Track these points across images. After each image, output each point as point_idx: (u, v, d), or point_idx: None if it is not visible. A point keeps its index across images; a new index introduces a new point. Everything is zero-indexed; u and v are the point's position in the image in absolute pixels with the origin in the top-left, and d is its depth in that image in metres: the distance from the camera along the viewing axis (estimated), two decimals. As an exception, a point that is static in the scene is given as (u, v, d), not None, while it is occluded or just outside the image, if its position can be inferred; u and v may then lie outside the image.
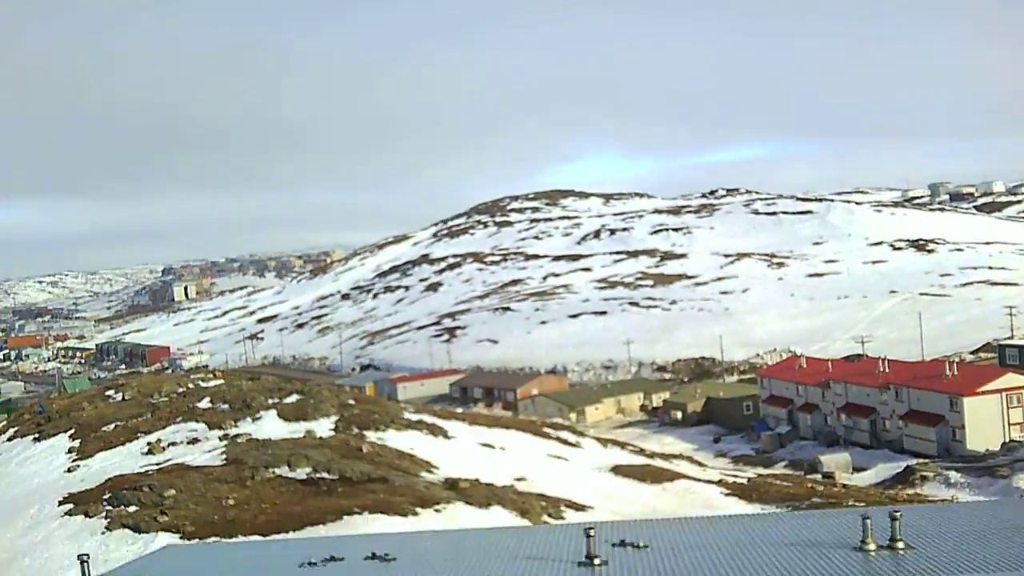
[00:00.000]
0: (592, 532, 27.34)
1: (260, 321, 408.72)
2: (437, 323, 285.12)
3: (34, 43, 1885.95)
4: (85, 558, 29.03)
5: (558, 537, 31.23)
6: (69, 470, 68.04)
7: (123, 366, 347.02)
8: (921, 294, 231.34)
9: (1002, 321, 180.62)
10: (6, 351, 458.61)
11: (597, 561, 26.36)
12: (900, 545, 25.83)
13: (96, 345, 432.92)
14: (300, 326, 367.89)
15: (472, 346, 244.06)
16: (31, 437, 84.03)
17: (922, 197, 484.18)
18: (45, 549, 50.84)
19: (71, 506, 56.76)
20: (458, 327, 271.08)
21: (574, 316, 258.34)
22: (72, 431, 79.49)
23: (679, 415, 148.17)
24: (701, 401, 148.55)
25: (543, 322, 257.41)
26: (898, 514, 26.66)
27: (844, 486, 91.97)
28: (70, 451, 73.33)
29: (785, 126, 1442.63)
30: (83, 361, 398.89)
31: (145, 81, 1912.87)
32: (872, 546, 25.72)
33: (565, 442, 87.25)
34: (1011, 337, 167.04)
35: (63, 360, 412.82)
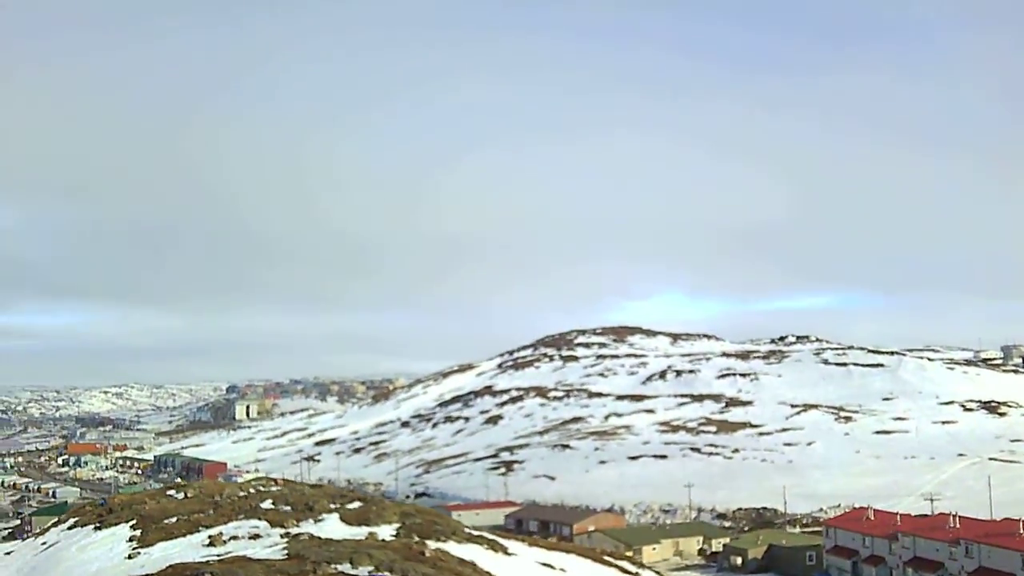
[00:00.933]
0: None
1: (318, 444, 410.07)
2: (495, 456, 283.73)
3: (112, 155, 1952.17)
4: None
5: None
6: (129, 556, 68.11)
7: (179, 479, 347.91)
8: (990, 459, 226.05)
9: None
10: (65, 457, 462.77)
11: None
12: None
13: (154, 457, 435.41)
14: (357, 451, 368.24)
15: (529, 481, 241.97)
16: (91, 526, 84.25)
17: (994, 359, 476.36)
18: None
19: (132, 589, 56.71)
20: (515, 461, 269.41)
21: (634, 458, 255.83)
22: (133, 522, 79.64)
23: (739, 561, 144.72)
24: (763, 548, 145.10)
25: (602, 462, 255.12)
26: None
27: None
28: (131, 540, 73.37)
29: (856, 277, 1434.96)
30: (140, 472, 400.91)
31: (218, 193, 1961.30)
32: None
33: (625, 571, 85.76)
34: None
35: (120, 470, 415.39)
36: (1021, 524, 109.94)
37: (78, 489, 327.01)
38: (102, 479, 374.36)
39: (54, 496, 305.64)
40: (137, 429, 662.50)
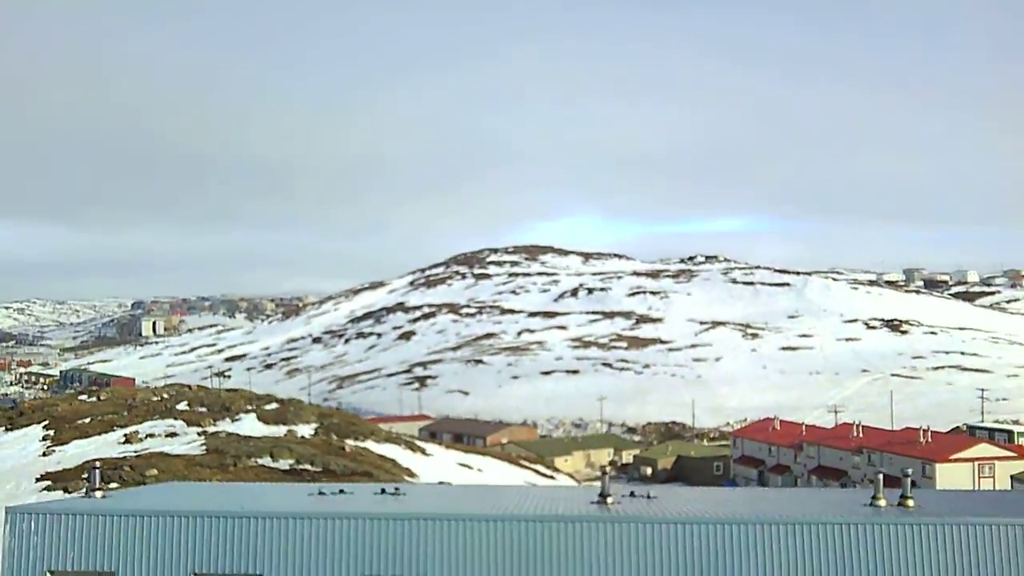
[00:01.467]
0: (608, 469, 27.40)
1: (228, 359, 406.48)
2: (408, 371, 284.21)
3: (10, 60, 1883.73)
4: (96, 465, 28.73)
5: (568, 491, 31.28)
6: (44, 454, 67.35)
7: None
8: (892, 375, 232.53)
9: (972, 405, 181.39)
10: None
11: (611, 500, 26.54)
12: (910, 503, 26.20)
13: (60, 372, 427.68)
14: (269, 366, 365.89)
15: (442, 396, 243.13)
16: (1, 428, 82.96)
17: (897, 282, 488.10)
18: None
19: (49, 482, 56.12)
20: (429, 376, 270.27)
21: (546, 373, 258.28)
22: (46, 423, 78.64)
23: (648, 471, 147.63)
24: (672, 459, 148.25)
25: (515, 377, 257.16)
26: (910, 471, 26.97)
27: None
28: (44, 439, 72.55)
29: (765, 201, 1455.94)
30: (46, 387, 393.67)
31: (125, 107, 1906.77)
32: (883, 502, 26.10)
33: (540, 473, 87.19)
34: (982, 421, 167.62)
35: (25, 385, 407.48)
36: (920, 433, 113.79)
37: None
38: (6, 394, 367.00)
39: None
40: (41, 345, 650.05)
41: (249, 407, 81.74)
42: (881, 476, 25.90)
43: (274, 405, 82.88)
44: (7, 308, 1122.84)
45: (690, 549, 23.30)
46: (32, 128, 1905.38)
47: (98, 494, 27.93)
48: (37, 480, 56.62)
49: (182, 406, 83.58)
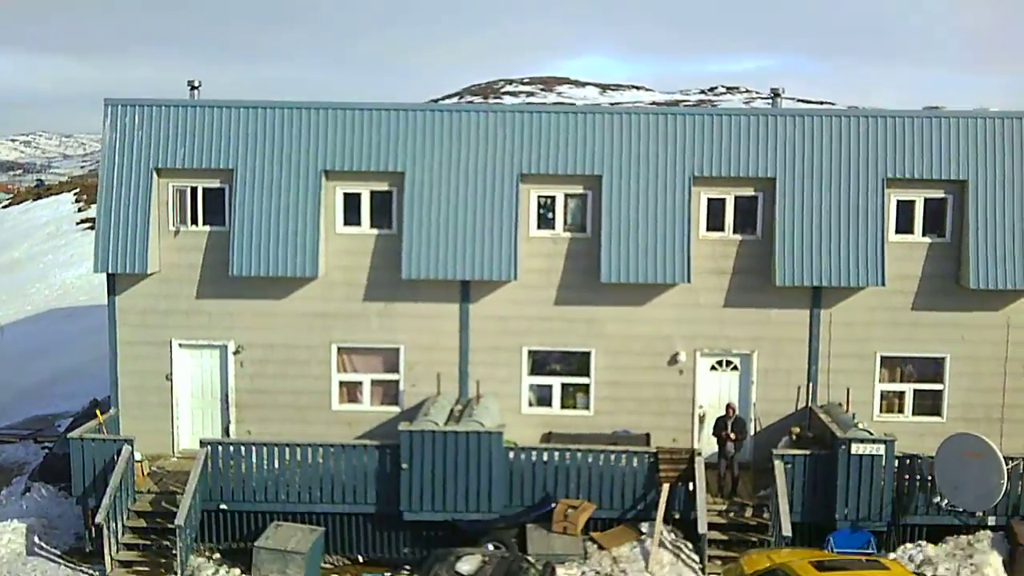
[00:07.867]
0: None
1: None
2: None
3: None
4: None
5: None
6: (79, 210, 64.87)
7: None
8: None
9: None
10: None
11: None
12: None
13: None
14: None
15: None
16: (29, 200, 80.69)
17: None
18: (68, 249, 47.97)
19: (90, 224, 53.57)
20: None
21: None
22: (77, 190, 76.00)
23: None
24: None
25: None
26: None
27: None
28: (77, 200, 70.10)
29: (787, 42, 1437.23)
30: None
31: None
32: None
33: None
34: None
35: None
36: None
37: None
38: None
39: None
40: (49, 173, 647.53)
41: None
42: None
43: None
44: (13, 140, 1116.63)
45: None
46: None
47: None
48: (77, 224, 54.30)
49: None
